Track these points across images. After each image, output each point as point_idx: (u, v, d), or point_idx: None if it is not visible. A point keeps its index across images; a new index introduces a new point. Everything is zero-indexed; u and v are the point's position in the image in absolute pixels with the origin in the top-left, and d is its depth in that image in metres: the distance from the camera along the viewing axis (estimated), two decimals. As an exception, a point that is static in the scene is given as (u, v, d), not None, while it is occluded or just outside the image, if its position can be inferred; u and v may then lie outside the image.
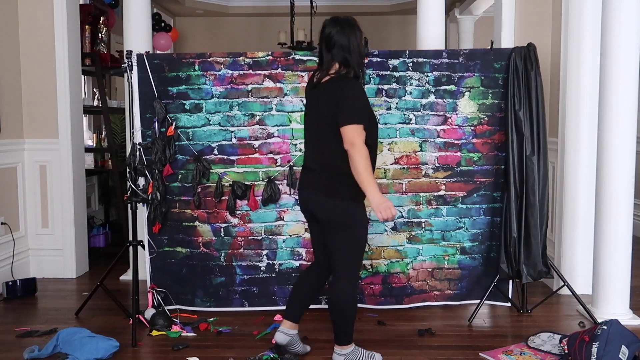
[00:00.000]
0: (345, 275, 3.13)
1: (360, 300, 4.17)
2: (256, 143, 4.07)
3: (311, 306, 4.07)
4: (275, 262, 4.13)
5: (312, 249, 4.05)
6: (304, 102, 4.02)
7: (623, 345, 3.01)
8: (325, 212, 3.11)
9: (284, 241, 4.12)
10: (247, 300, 4.14)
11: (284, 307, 4.08)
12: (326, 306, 4.13)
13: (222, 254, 4.11)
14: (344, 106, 2.99)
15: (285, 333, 3.35)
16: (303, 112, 4.03)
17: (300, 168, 4.02)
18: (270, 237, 4.11)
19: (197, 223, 4.10)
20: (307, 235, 4.10)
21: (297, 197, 4.07)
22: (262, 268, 4.13)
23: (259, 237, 4.11)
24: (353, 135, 2.96)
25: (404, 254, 4.15)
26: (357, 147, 2.94)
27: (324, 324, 3.88)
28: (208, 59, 4.04)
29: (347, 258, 3.12)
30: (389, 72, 4.05)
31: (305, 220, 4.05)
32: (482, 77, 4.07)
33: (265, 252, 4.12)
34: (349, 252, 3.12)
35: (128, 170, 3.96)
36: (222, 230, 4.10)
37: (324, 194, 3.10)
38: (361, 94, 3.10)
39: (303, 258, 4.13)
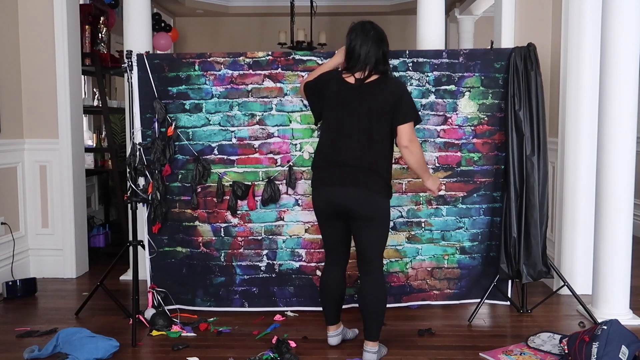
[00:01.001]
0: (380, 266, 3.35)
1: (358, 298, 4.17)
2: (256, 143, 4.07)
3: (311, 308, 4.10)
4: (275, 262, 4.12)
5: (311, 250, 4.08)
6: (304, 102, 4.04)
7: (623, 345, 3.01)
8: (369, 208, 3.21)
9: (284, 241, 4.12)
10: (247, 300, 4.14)
11: (283, 308, 4.11)
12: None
13: (222, 254, 4.11)
14: (404, 104, 3.23)
15: (336, 335, 3.51)
16: (303, 112, 4.06)
17: (300, 168, 4.06)
18: (271, 237, 4.11)
19: (197, 223, 4.10)
20: (307, 235, 4.10)
21: (297, 197, 4.07)
22: (262, 268, 4.13)
23: (259, 237, 4.11)
24: (411, 131, 3.23)
25: (403, 254, 4.15)
26: (416, 142, 3.26)
27: (324, 323, 3.88)
28: (208, 59, 4.04)
29: (381, 250, 3.34)
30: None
31: (304, 221, 4.08)
32: (482, 77, 4.07)
33: (265, 252, 4.12)
34: (382, 245, 3.34)
35: (128, 170, 3.96)
36: (222, 230, 4.10)
37: (371, 191, 3.20)
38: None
39: (303, 259, 4.12)
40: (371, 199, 3.20)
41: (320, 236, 4.08)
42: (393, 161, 3.40)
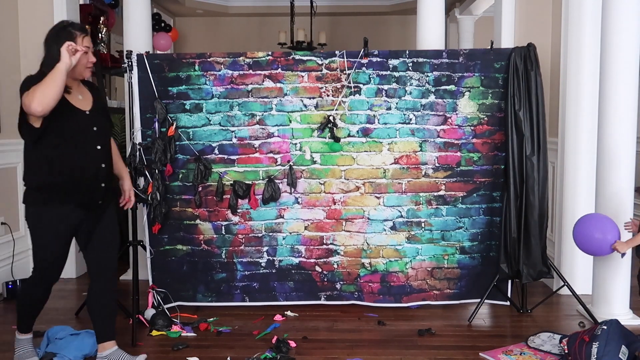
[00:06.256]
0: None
1: (359, 297, 4.18)
2: (256, 143, 4.08)
3: (311, 302, 4.13)
4: (275, 258, 4.16)
5: (311, 246, 4.11)
6: (304, 102, 4.05)
7: (623, 345, 3.01)
8: None
9: (284, 238, 4.14)
10: (248, 295, 4.17)
11: (283, 302, 4.13)
12: (327, 302, 4.18)
13: (223, 251, 4.13)
14: None
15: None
16: (303, 112, 4.06)
17: (300, 167, 4.06)
18: (271, 234, 4.13)
19: (198, 221, 4.11)
20: (307, 233, 4.13)
21: (297, 195, 4.09)
22: (263, 264, 4.16)
23: (260, 235, 4.13)
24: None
25: (402, 253, 4.15)
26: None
27: (323, 323, 3.89)
28: (208, 59, 4.05)
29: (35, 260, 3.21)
30: (389, 72, 4.06)
31: (304, 218, 4.11)
32: (482, 77, 4.07)
33: (265, 248, 4.14)
34: (35, 255, 3.19)
35: (128, 170, 3.96)
36: (223, 228, 4.12)
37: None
38: None
39: (302, 255, 4.16)
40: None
41: (319, 233, 4.11)
42: (42, 163, 3.02)
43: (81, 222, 3.07)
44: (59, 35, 2.98)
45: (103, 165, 3.10)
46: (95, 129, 3.09)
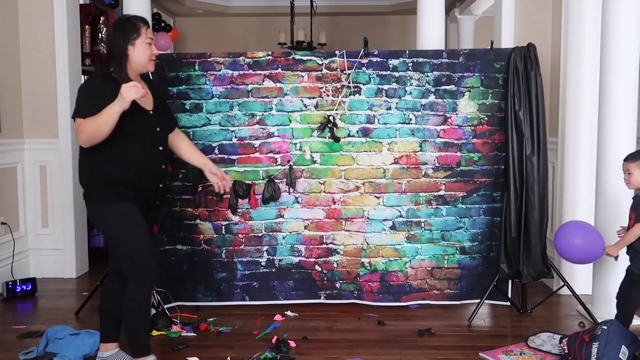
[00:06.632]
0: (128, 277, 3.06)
1: (358, 296, 4.19)
2: (256, 142, 4.08)
3: (310, 300, 4.15)
4: (275, 257, 4.16)
5: (310, 246, 4.12)
6: (304, 101, 4.05)
7: (623, 345, 3.01)
8: (91, 218, 3.15)
9: (283, 238, 4.14)
10: (248, 294, 4.18)
11: (283, 302, 4.13)
12: (326, 301, 4.18)
13: (224, 251, 4.14)
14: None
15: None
16: (303, 112, 4.07)
17: (300, 167, 4.06)
18: (271, 233, 4.14)
19: (198, 221, 4.12)
20: (307, 232, 4.14)
21: (296, 195, 4.09)
22: (263, 263, 4.17)
23: (260, 234, 4.14)
24: (77, 126, 2.91)
25: (402, 253, 4.16)
26: (81, 134, 2.88)
27: (323, 323, 3.89)
28: (208, 59, 4.05)
29: (122, 260, 3.07)
30: (389, 72, 4.06)
31: (304, 218, 4.12)
32: (482, 77, 4.07)
33: (265, 248, 4.15)
34: (118, 254, 3.07)
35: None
36: (223, 227, 4.13)
37: (84, 198, 3.08)
38: None
39: (302, 254, 4.16)
40: (87, 208, 3.08)
41: (319, 233, 4.12)
42: (104, 162, 2.93)
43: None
44: (124, 27, 2.96)
45: (163, 167, 3.09)
46: (158, 129, 3.07)
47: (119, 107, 2.78)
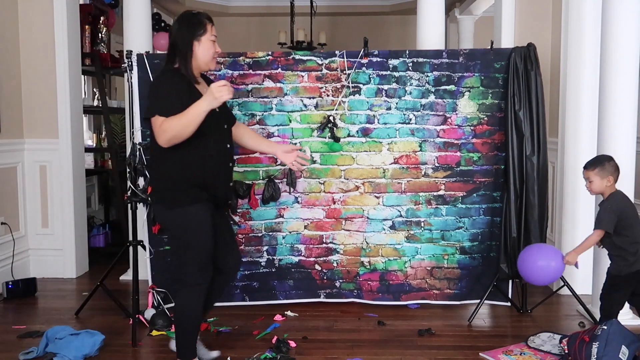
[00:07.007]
0: (186, 282, 3.06)
1: (358, 295, 4.20)
2: (256, 143, 4.08)
3: (310, 300, 4.16)
4: (275, 257, 4.17)
5: (310, 245, 4.12)
6: (304, 101, 4.05)
7: (623, 345, 3.01)
8: (157, 219, 3.22)
9: (283, 237, 4.15)
10: (248, 294, 4.19)
11: (283, 301, 4.13)
12: (326, 300, 4.19)
13: (223, 253, 4.13)
14: (149, 98, 2.99)
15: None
16: (302, 112, 4.06)
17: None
18: (270, 233, 4.14)
19: (197, 223, 4.11)
20: (307, 232, 4.14)
21: (296, 194, 4.09)
22: (262, 263, 4.17)
23: (259, 234, 4.15)
24: (156, 126, 2.85)
25: (401, 253, 4.16)
26: (163, 134, 2.82)
27: (323, 323, 3.89)
28: (208, 59, 4.04)
29: (184, 264, 3.08)
30: (389, 72, 4.06)
31: (304, 217, 4.12)
32: (482, 77, 4.07)
33: (265, 248, 4.16)
34: (182, 258, 3.06)
35: (128, 170, 3.95)
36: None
37: (152, 201, 3.08)
38: None
39: (302, 254, 4.17)
40: (155, 209, 3.05)
41: (319, 232, 4.11)
42: (180, 163, 2.89)
43: (212, 217, 3.00)
44: (191, 22, 2.92)
45: (230, 165, 3.07)
46: (225, 126, 3.04)
47: (207, 106, 2.73)
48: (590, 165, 3.29)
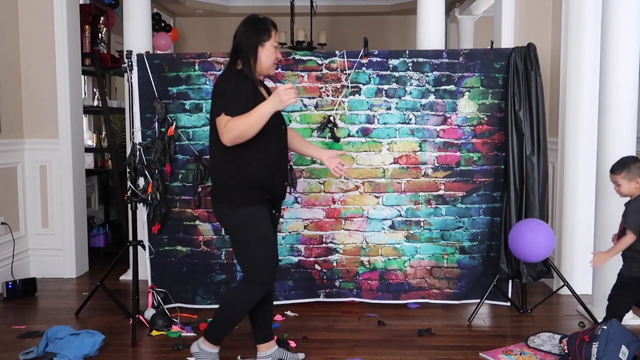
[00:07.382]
0: (247, 277, 3.09)
1: (357, 294, 4.20)
2: (256, 143, 4.08)
3: (310, 299, 4.14)
4: (274, 258, 4.16)
5: (310, 245, 4.12)
6: (304, 101, 4.05)
7: (623, 345, 3.01)
8: (219, 219, 3.12)
9: (283, 238, 4.14)
10: (247, 296, 4.17)
11: (283, 302, 4.13)
12: (326, 299, 4.19)
13: (223, 252, 4.13)
14: (216, 97, 2.98)
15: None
16: (303, 112, 4.06)
17: (300, 167, 4.06)
18: (270, 235, 4.13)
19: (197, 222, 4.11)
20: (307, 232, 4.14)
21: (296, 195, 4.09)
22: (262, 265, 4.16)
23: (259, 236, 4.13)
24: (221, 125, 2.87)
25: (401, 252, 4.16)
26: (228, 133, 2.84)
27: (323, 323, 3.89)
28: (208, 59, 4.05)
29: (246, 264, 3.10)
30: (389, 72, 4.06)
31: (304, 218, 4.12)
32: (482, 77, 4.07)
33: (265, 249, 4.14)
34: (244, 257, 3.08)
35: (128, 170, 3.96)
36: (222, 229, 4.11)
37: (215, 200, 3.07)
38: None
39: (302, 254, 4.16)
40: (216, 208, 3.05)
41: (318, 232, 4.11)
42: (243, 162, 2.92)
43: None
44: (257, 27, 2.97)
45: (287, 165, 3.12)
46: (283, 127, 3.07)
47: (272, 107, 2.77)
48: (616, 169, 3.26)
